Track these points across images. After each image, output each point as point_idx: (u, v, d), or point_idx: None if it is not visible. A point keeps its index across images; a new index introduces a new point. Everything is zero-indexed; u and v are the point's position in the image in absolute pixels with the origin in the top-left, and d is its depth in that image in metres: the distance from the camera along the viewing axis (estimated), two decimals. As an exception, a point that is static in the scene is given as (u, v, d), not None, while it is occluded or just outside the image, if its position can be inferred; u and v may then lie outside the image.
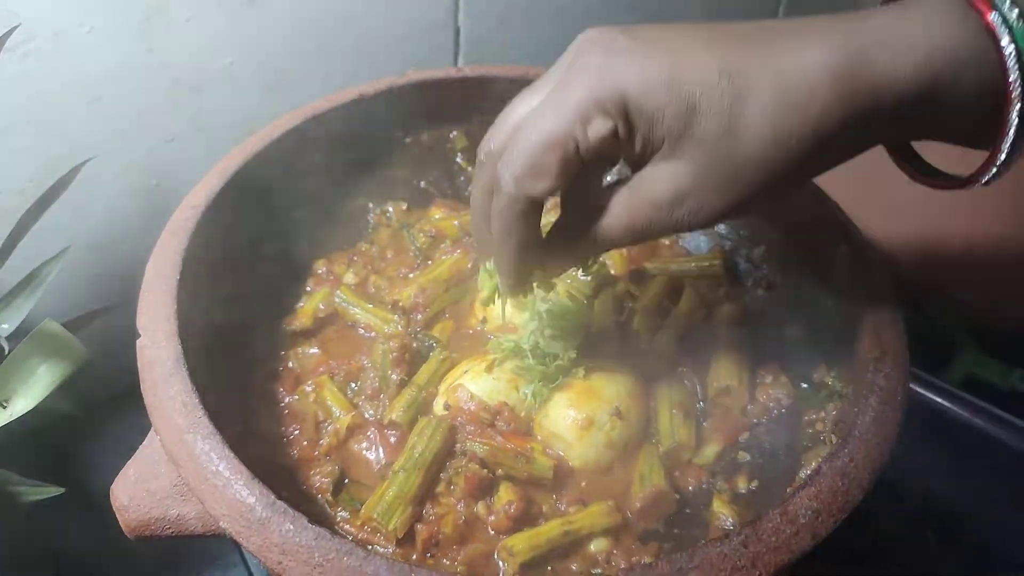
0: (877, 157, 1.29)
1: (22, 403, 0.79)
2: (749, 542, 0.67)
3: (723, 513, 0.87)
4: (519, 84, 1.18)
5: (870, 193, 1.13)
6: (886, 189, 1.24)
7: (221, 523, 0.68)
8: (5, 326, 0.97)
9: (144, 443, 0.81)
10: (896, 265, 1.21)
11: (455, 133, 1.23)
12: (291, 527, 0.66)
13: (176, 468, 0.72)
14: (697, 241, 1.18)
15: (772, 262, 1.10)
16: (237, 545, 1.15)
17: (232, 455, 0.70)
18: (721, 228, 1.16)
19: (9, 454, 0.97)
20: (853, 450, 0.73)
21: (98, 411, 1.28)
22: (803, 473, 0.87)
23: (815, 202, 1.00)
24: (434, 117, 1.21)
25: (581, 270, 0.89)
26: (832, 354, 0.96)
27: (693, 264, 1.12)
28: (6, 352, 0.89)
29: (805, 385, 0.98)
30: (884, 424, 0.76)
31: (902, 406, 0.78)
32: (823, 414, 0.92)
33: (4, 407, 0.79)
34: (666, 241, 1.18)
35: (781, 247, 1.09)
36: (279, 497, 0.69)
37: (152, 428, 0.81)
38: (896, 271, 0.96)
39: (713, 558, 0.66)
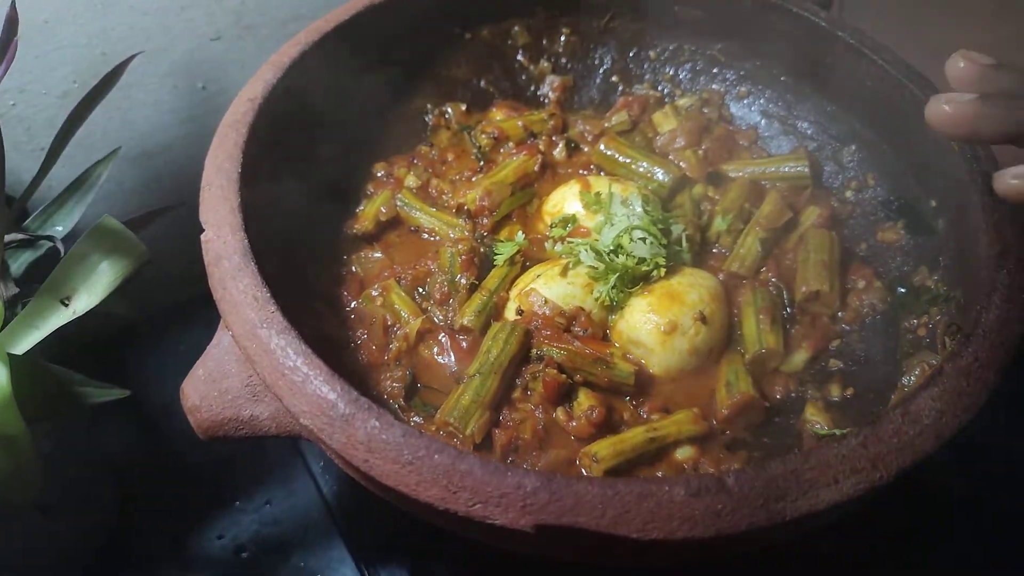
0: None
1: (85, 300, 0.75)
2: (869, 442, 0.62)
3: (817, 420, 0.82)
4: (587, -27, 1.11)
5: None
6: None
7: (302, 420, 0.64)
8: (59, 228, 0.93)
9: (212, 342, 0.77)
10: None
11: (517, 28, 1.16)
12: (377, 424, 0.62)
13: (250, 365, 0.69)
14: (779, 142, 1.10)
15: (864, 163, 1.02)
16: (302, 456, 1.13)
17: (309, 350, 0.66)
18: (806, 127, 1.08)
19: (70, 364, 0.95)
20: (977, 349, 0.68)
21: (151, 322, 1.26)
22: (906, 379, 0.81)
23: (919, 90, 0.91)
24: (495, 11, 1.13)
25: None
26: (934, 256, 0.90)
27: (775, 166, 1.05)
28: (62, 254, 0.86)
29: (903, 290, 0.91)
30: (1009, 322, 0.70)
31: (1027, 305, 0.72)
32: (926, 319, 0.86)
33: (66, 304, 0.75)
34: (744, 143, 1.10)
35: (874, 145, 1.01)
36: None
37: (220, 326, 0.77)
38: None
39: (830, 459, 0.61)
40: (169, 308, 1.27)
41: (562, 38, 1.17)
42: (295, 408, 0.65)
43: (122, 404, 0.94)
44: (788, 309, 0.93)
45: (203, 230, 0.77)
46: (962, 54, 0.63)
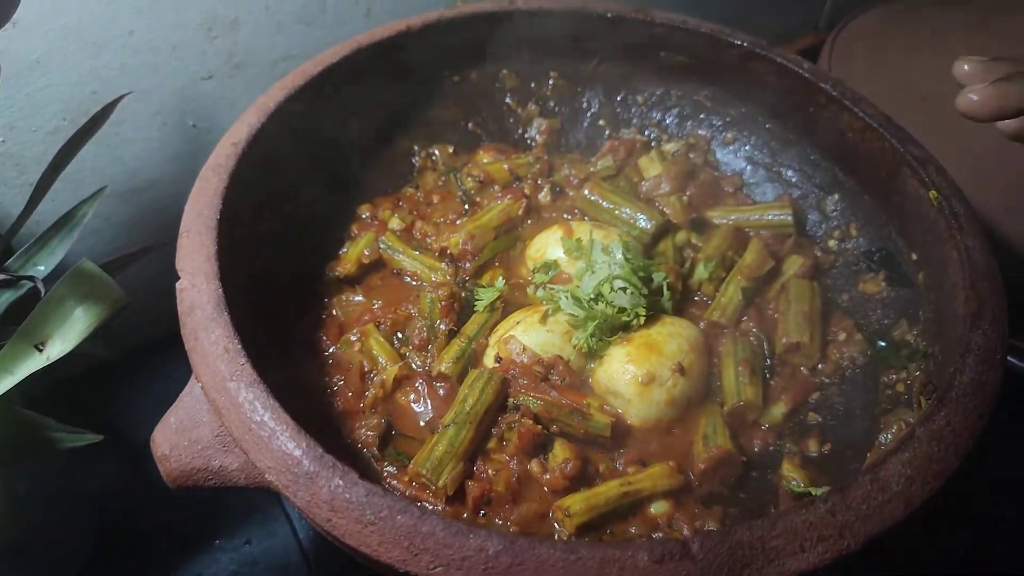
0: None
1: (59, 346, 0.75)
2: (837, 510, 0.61)
3: (793, 477, 0.82)
4: (575, 19, 1.12)
5: (951, 142, 1.05)
6: (969, 137, 1.15)
7: (267, 476, 0.64)
8: (41, 268, 0.93)
9: (185, 390, 0.77)
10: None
11: (504, 72, 1.16)
12: (340, 483, 0.62)
13: (218, 417, 0.68)
14: (763, 189, 1.10)
15: (847, 212, 1.02)
16: (279, 497, 1.13)
17: (277, 404, 0.66)
18: (791, 175, 1.08)
19: (46, 402, 0.95)
20: (950, 413, 0.67)
21: (136, 358, 1.26)
22: (883, 437, 0.80)
23: (899, 143, 0.92)
24: (483, 54, 1.14)
25: None
26: (914, 310, 0.89)
27: (759, 213, 1.05)
28: (43, 294, 0.86)
29: (883, 343, 0.91)
30: (983, 385, 0.69)
31: (1002, 366, 0.72)
32: (904, 374, 0.85)
33: (40, 350, 0.75)
34: (729, 189, 1.10)
35: (857, 195, 1.01)
36: (325, 450, 0.65)
37: (193, 374, 0.77)
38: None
39: (797, 526, 0.60)
40: (154, 344, 1.27)
41: (550, 82, 1.18)
42: (260, 463, 0.64)
43: (105, 442, 0.94)
44: (768, 360, 0.93)
45: (179, 277, 0.77)
46: (962, 59, 0.76)
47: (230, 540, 1.19)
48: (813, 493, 0.78)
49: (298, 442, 0.64)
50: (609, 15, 1.08)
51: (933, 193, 0.86)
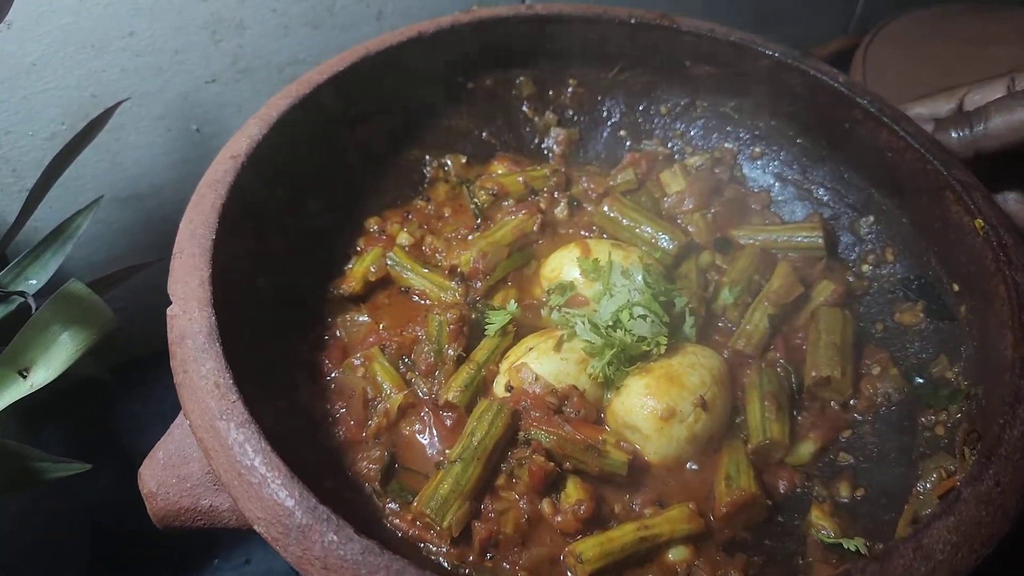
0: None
1: (43, 373, 0.71)
2: (876, 581, 0.56)
3: (823, 525, 0.76)
4: (595, 24, 1.06)
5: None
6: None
7: (256, 527, 0.59)
8: (33, 282, 0.89)
9: (176, 421, 0.73)
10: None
11: (521, 79, 1.11)
12: (335, 538, 0.57)
13: (207, 458, 0.64)
14: (792, 207, 1.04)
15: (883, 235, 0.96)
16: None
17: (269, 448, 0.61)
18: (822, 194, 1.02)
19: (37, 422, 0.91)
20: (999, 472, 0.61)
21: (135, 370, 1.22)
22: (922, 485, 0.75)
23: (942, 166, 0.86)
24: (499, 60, 1.08)
25: None
26: (955, 345, 0.83)
27: (788, 234, 0.99)
28: (34, 311, 0.82)
29: (921, 380, 0.85)
30: (1036, 440, 0.64)
31: (1056, 418, 0.66)
32: (944, 416, 0.80)
33: (24, 376, 0.71)
34: (756, 207, 1.05)
35: (894, 217, 0.95)
36: (323, 489, 0.61)
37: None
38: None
39: (832, 598, 0.55)
40: (155, 355, 1.23)
41: (569, 89, 1.12)
42: (249, 513, 0.60)
43: (102, 455, 0.90)
44: (796, 394, 0.87)
45: (171, 302, 0.72)
46: None
47: (228, 559, 1.15)
48: (845, 545, 0.73)
49: (290, 491, 0.59)
50: (632, 21, 1.03)
51: (979, 222, 0.80)
